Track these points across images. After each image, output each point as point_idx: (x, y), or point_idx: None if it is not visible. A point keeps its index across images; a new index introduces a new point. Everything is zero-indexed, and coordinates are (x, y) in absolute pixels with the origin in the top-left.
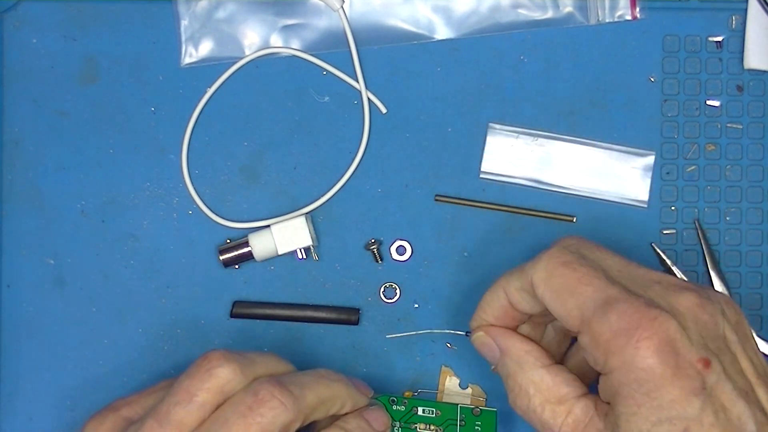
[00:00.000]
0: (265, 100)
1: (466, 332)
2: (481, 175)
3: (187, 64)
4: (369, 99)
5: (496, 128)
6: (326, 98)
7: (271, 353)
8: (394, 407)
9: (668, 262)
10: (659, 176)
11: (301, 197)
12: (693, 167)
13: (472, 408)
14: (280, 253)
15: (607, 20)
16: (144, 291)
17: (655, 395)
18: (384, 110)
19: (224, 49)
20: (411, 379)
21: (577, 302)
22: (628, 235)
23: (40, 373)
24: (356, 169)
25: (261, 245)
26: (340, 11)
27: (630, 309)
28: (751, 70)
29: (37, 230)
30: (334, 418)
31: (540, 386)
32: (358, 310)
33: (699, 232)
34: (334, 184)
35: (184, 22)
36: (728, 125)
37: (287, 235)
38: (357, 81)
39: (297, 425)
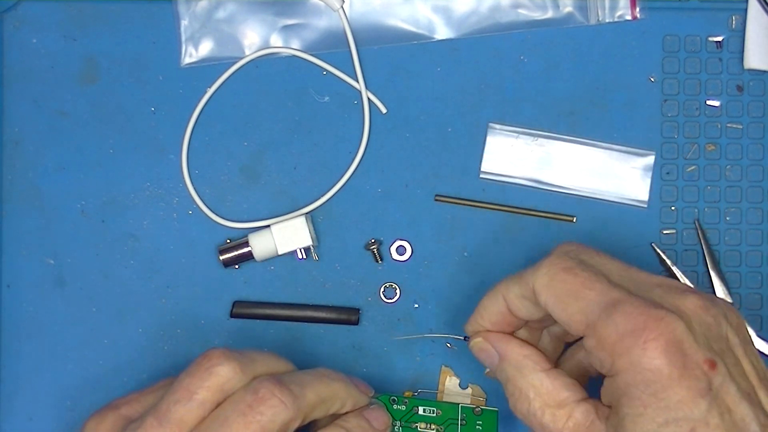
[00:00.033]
0: (265, 100)
1: (465, 337)
2: (481, 175)
3: (187, 64)
4: (369, 99)
5: (496, 128)
6: (326, 98)
7: (271, 352)
8: (395, 407)
9: (668, 262)
10: (659, 176)
11: (301, 197)
12: (693, 167)
13: (473, 408)
14: (280, 253)
15: (607, 20)
16: (144, 291)
17: (662, 396)
18: (384, 110)
19: (224, 49)
20: (411, 379)
21: (580, 306)
22: (628, 235)
23: (40, 373)
24: (356, 169)
25: (261, 245)
26: (340, 11)
27: (636, 310)
28: (751, 70)
29: (37, 230)
30: (335, 417)
31: (540, 390)
32: (358, 310)
33: (699, 232)
34: (334, 184)
35: (184, 22)
36: (728, 125)
37: (287, 235)
38: (357, 81)
39: (297, 424)
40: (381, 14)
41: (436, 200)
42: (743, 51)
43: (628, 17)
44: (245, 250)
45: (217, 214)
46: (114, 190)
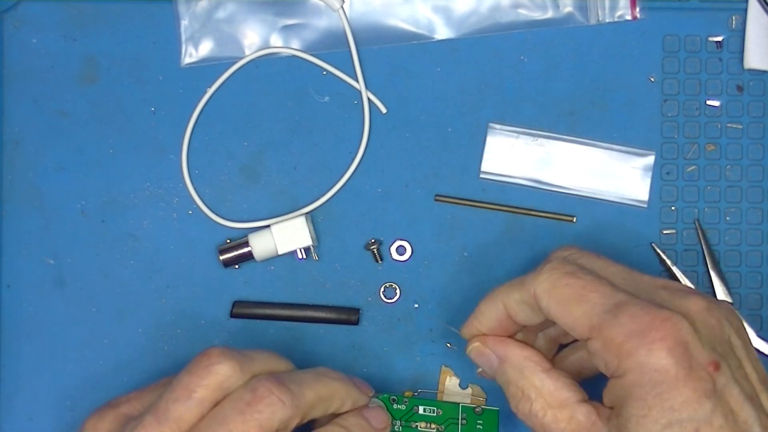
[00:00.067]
0: (265, 100)
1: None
2: (481, 175)
3: (187, 64)
4: (369, 99)
5: (496, 128)
6: (326, 98)
7: (270, 351)
8: (395, 406)
9: (668, 262)
10: (659, 176)
11: (301, 197)
12: (693, 167)
13: (474, 407)
14: (280, 253)
15: (607, 20)
16: (144, 291)
17: (667, 396)
18: (384, 110)
19: (224, 49)
20: (411, 379)
21: (584, 309)
22: (628, 235)
23: (40, 373)
24: (356, 169)
25: (261, 245)
26: (340, 11)
27: (641, 311)
28: (751, 70)
29: (37, 230)
30: (334, 417)
31: (541, 390)
32: (358, 310)
33: (699, 232)
34: (334, 184)
35: (184, 22)
36: (728, 125)
37: (287, 235)
38: (357, 81)
39: (295, 422)
40: (381, 14)
41: (436, 200)
42: (743, 51)
43: (628, 17)
44: (245, 250)
45: (217, 214)
46: (114, 190)
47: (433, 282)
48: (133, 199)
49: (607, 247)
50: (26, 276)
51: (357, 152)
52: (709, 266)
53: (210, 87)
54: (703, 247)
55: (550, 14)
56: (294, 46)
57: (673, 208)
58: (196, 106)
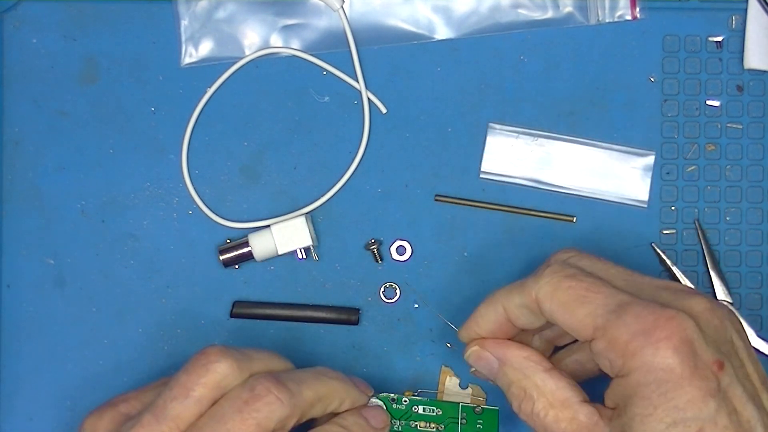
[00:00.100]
0: (265, 100)
1: None
2: (481, 175)
3: (187, 64)
4: (369, 99)
5: (496, 128)
6: (326, 98)
7: (268, 350)
8: (395, 406)
9: (668, 262)
10: (659, 176)
11: (301, 197)
12: (693, 167)
13: (474, 407)
14: (280, 253)
15: (607, 20)
16: (144, 291)
17: (672, 395)
18: (384, 110)
19: (224, 49)
20: (411, 379)
21: (588, 310)
22: (628, 235)
23: (40, 373)
24: (356, 169)
25: (261, 245)
26: (340, 11)
27: (645, 311)
28: (751, 70)
29: (37, 230)
30: (333, 416)
31: (543, 390)
32: (358, 310)
33: (699, 232)
34: (334, 184)
35: (184, 22)
36: (728, 125)
37: (287, 235)
38: (357, 81)
39: (293, 421)
40: (381, 14)
41: (436, 200)
42: (743, 51)
43: (628, 17)
44: (245, 250)
45: (217, 214)
46: (114, 190)
47: (433, 282)
48: (133, 199)
49: (607, 247)
50: (26, 276)
51: (357, 152)
52: (709, 266)
53: (210, 87)
54: (703, 247)
55: (550, 14)
56: (294, 46)
57: (673, 208)
58: (196, 106)
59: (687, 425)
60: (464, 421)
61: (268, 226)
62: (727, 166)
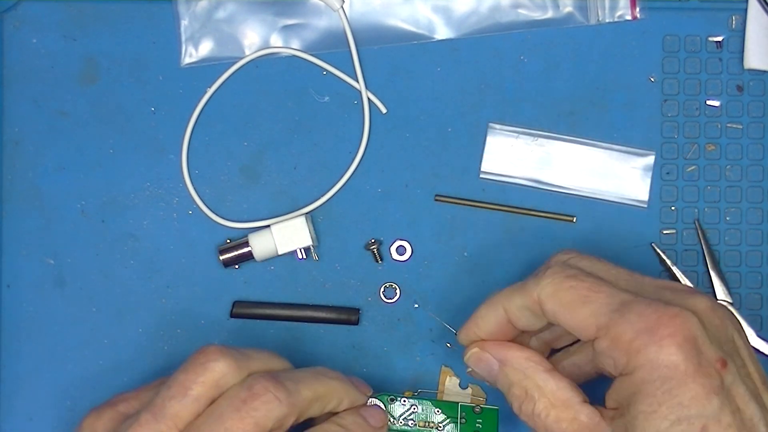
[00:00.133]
0: (265, 100)
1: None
2: (481, 175)
3: (187, 64)
4: (369, 99)
5: (496, 128)
6: (326, 98)
7: (267, 350)
8: (394, 405)
9: (668, 262)
10: (659, 176)
11: (301, 197)
12: (693, 167)
13: (473, 406)
14: (280, 253)
15: (607, 20)
16: (144, 291)
17: (676, 392)
18: (384, 110)
19: (224, 49)
20: (411, 379)
21: (590, 310)
22: (628, 235)
23: (40, 373)
24: (356, 169)
25: (261, 245)
26: (340, 11)
27: (649, 309)
28: (751, 70)
29: (37, 230)
30: (332, 416)
31: (544, 390)
32: (358, 310)
33: (699, 232)
34: (334, 184)
35: (184, 22)
36: (728, 125)
37: (287, 235)
38: (357, 81)
39: (291, 420)
40: (381, 14)
41: (436, 200)
42: (743, 51)
43: (628, 17)
44: (245, 250)
45: (217, 214)
46: (114, 190)
47: (433, 282)
48: (133, 199)
49: (607, 247)
50: (26, 276)
51: (357, 152)
52: (709, 266)
53: (210, 87)
54: (703, 247)
55: (550, 14)
56: (294, 46)
57: (673, 208)
58: (196, 106)
59: (691, 422)
60: (464, 420)
61: (268, 226)
62: (727, 166)
